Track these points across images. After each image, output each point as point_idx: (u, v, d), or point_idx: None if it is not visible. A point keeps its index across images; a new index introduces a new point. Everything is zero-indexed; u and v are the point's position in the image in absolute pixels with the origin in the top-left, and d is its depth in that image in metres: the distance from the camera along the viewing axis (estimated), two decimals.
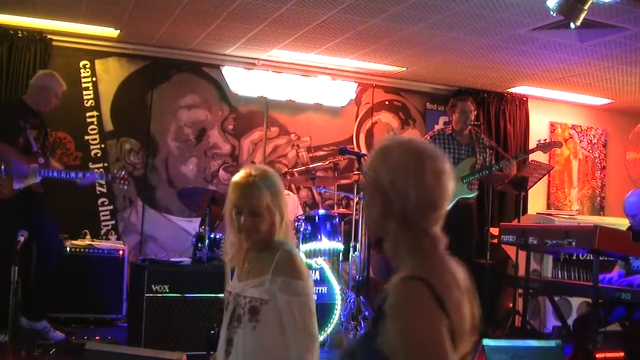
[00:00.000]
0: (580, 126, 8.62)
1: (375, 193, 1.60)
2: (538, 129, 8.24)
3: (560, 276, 6.16)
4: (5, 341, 4.27)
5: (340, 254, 5.67)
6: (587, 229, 4.48)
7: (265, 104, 7.25)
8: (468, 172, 6.02)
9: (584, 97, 8.04)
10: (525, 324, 5.26)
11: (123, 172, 5.50)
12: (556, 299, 5.36)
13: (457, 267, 1.61)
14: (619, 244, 4.47)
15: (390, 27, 5.69)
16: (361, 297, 5.35)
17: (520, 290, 5.35)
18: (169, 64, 6.89)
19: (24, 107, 5.09)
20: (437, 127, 7.40)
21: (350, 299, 5.47)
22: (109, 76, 6.68)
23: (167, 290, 4.70)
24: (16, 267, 3.93)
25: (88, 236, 6.14)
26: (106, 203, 6.63)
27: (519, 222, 6.09)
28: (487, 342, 3.72)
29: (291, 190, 6.94)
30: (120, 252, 5.93)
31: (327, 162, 6.62)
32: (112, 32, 6.31)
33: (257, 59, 7.05)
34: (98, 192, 6.59)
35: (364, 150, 7.32)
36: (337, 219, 5.70)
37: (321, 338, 5.02)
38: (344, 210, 6.88)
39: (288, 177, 6.63)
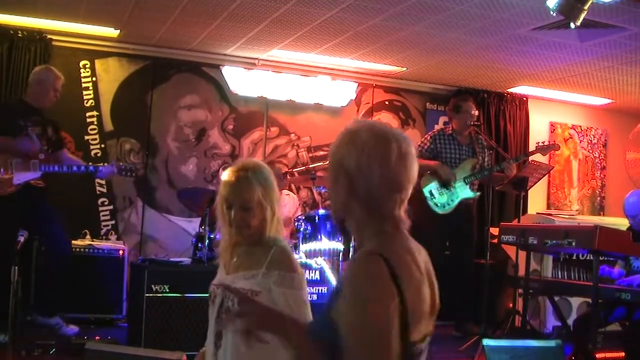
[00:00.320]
0: (580, 126, 8.62)
1: (340, 175, 1.61)
2: (538, 129, 8.25)
3: (560, 276, 6.16)
4: (5, 341, 4.28)
5: (340, 254, 5.67)
6: (587, 229, 4.48)
7: (265, 104, 7.25)
8: (470, 173, 6.02)
9: (584, 97, 8.04)
10: (525, 324, 5.27)
11: (131, 166, 5.44)
12: (556, 299, 5.36)
13: (419, 249, 1.64)
14: (619, 244, 4.47)
15: (390, 27, 5.69)
16: None
17: (520, 290, 5.35)
18: (168, 64, 6.89)
19: (23, 106, 5.11)
20: (437, 127, 7.40)
21: None
22: (109, 76, 6.68)
23: (167, 290, 4.70)
24: (16, 267, 3.93)
25: (88, 236, 6.14)
26: (106, 203, 6.63)
27: (519, 222, 6.09)
28: (487, 342, 3.72)
29: (291, 190, 6.94)
30: (120, 252, 5.93)
31: (327, 162, 6.61)
32: (112, 32, 6.31)
33: (257, 59, 7.05)
34: (98, 192, 6.59)
35: None
36: None
37: None
38: None
39: (288, 177, 6.63)
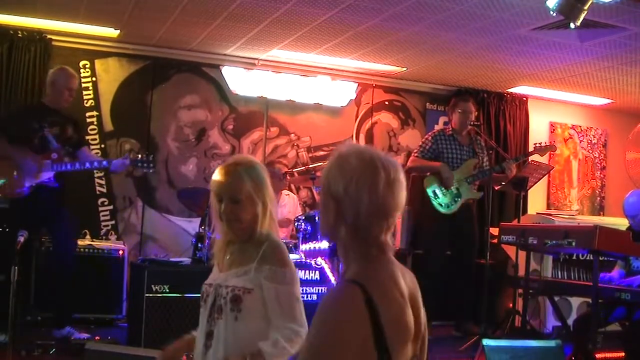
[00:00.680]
0: (580, 126, 8.62)
1: (329, 200, 1.63)
2: (538, 129, 8.25)
3: (560, 276, 6.16)
4: (6, 341, 4.28)
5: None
6: (587, 229, 4.48)
7: (265, 104, 7.25)
8: (472, 173, 6.02)
9: (584, 97, 8.04)
10: (525, 324, 5.27)
11: (147, 156, 5.34)
12: (556, 299, 5.36)
13: (404, 274, 1.65)
14: (619, 244, 4.47)
15: (390, 27, 5.69)
16: None
17: (520, 290, 5.36)
18: (168, 64, 6.89)
19: (41, 108, 5.20)
20: (437, 127, 7.41)
21: None
22: (108, 76, 6.68)
23: (167, 290, 4.70)
24: (16, 267, 3.94)
25: (88, 236, 6.14)
26: (106, 203, 6.63)
27: (519, 222, 6.09)
28: (487, 342, 3.72)
29: (291, 190, 6.94)
30: (120, 252, 5.93)
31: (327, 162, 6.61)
32: (112, 32, 6.31)
33: (257, 59, 7.05)
34: (98, 192, 6.60)
35: None
36: None
37: None
38: None
39: (288, 177, 6.63)
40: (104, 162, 5.23)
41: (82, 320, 5.60)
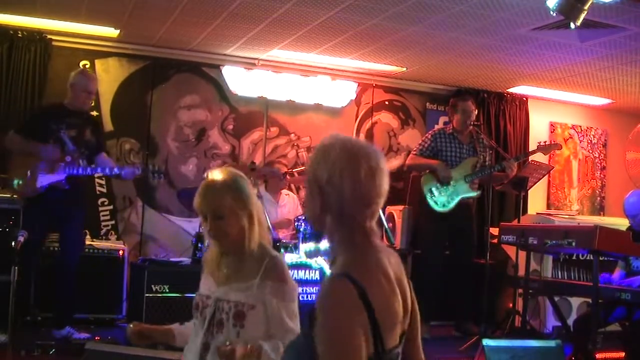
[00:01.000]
0: (580, 126, 8.63)
1: (314, 189, 1.69)
2: (538, 129, 8.25)
3: (560, 276, 6.15)
4: (6, 341, 4.28)
5: None
6: (587, 229, 4.48)
7: (265, 104, 7.25)
8: (470, 172, 6.02)
9: (584, 97, 8.04)
10: (525, 324, 5.27)
11: (157, 167, 5.40)
12: (556, 299, 5.36)
13: (389, 256, 1.70)
14: (619, 244, 4.47)
15: (390, 27, 5.69)
16: None
17: (520, 290, 5.35)
18: (168, 64, 6.89)
19: (60, 110, 5.20)
20: (437, 127, 7.40)
21: None
22: (109, 76, 6.68)
23: (167, 290, 4.71)
24: (16, 267, 3.94)
25: (88, 236, 6.13)
26: (106, 203, 6.63)
27: (519, 222, 6.09)
28: (487, 342, 3.72)
29: (291, 190, 6.94)
30: (120, 252, 5.92)
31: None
32: (112, 32, 6.32)
33: (257, 59, 7.05)
34: (98, 192, 6.59)
35: None
36: None
37: None
38: None
39: (288, 177, 6.63)
40: (116, 169, 5.22)
41: (82, 320, 5.59)
